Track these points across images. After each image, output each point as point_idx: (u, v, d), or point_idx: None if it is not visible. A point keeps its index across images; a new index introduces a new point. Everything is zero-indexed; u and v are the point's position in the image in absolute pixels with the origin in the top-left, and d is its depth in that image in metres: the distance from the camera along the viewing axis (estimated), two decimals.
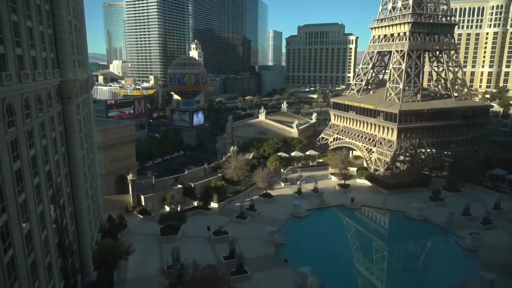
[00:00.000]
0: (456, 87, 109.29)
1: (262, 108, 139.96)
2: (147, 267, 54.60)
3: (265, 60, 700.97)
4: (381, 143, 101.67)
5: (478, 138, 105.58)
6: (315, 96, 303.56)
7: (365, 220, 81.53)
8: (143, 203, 77.83)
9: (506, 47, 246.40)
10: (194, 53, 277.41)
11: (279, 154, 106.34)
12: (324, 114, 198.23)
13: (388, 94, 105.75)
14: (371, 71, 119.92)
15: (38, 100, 33.91)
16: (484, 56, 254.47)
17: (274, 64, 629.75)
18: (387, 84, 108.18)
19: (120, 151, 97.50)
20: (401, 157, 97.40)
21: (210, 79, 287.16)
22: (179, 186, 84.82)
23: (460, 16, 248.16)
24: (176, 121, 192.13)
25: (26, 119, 30.44)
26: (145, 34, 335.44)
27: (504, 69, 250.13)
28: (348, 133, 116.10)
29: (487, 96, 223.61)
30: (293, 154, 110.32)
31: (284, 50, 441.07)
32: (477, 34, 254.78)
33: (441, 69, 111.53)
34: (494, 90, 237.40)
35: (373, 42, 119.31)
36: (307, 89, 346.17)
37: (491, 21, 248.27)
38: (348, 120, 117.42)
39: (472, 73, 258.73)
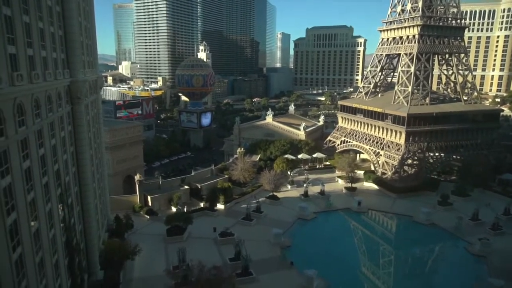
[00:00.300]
0: (466, 90, 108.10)
1: (270, 110, 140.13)
2: (153, 268, 54.80)
3: (273, 62, 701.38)
4: (389, 146, 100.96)
5: (488, 143, 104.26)
6: (322, 98, 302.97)
7: (372, 223, 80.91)
8: (150, 204, 78.23)
9: None
10: (202, 55, 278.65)
11: (286, 156, 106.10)
12: (332, 117, 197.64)
13: (396, 97, 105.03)
14: (380, 73, 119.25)
15: (48, 100, 34.29)
16: (494, 60, 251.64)
17: (282, 66, 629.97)
18: (396, 87, 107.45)
19: (128, 152, 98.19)
20: (409, 161, 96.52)
21: (218, 81, 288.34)
22: (186, 187, 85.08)
23: (470, 19, 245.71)
24: (184, 122, 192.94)
25: (36, 118, 30.75)
26: (154, 36, 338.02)
27: None
28: (355, 136, 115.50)
29: (498, 100, 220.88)
30: (300, 156, 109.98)
31: (292, 52, 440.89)
32: (488, 37, 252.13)
33: (450, 72, 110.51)
34: (505, 94, 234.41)
35: (381, 45, 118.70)
36: (314, 92, 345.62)
37: (502, 24, 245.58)
38: (356, 123, 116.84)
39: (482, 77, 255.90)
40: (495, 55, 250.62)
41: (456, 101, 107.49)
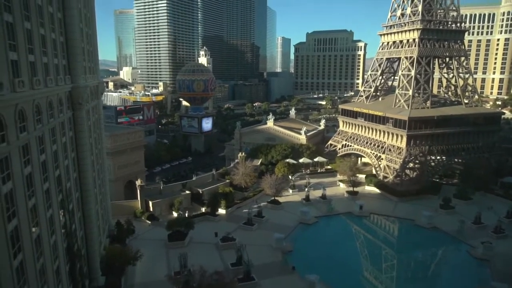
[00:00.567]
0: (467, 93, 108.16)
1: (271, 115, 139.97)
2: (155, 273, 54.66)
3: (273, 66, 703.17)
4: (390, 150, 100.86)
5: (489, 146, 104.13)
6: (323, 102, 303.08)
7: (374, 227, 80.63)
8: (151, 209, 78.15)
9: None
10: (203, 60, 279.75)
11: (287, 160, 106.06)
12: (333, 121, 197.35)
13: (397, 101, 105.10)
14: (380, 77, 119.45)
15: (49, 106, 34.40)
16: (495, 63, 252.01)
17: (282, 70, 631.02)
18: (396, 91, 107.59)
19: (129, 157, 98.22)
20: (411, 164, 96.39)
21: (218, 86, 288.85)
22: (187, 192, 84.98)
23: (470, 22, 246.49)
24: (185, 127, 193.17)
25: (37, 124, 30.86)
26: (155, 41, 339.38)
27: None
28: (356, 139, 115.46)
29: (498, 103, 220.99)
30: (301, 160, 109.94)
31: (292, 56, 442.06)
32: (488, 41, 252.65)
33: (451, 75, 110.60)
34: (506, 97, 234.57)
35: (382, 49, 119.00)
36: (315, 96, 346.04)
37: (502, 27, 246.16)
38: (357, 126, 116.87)
39: (483, 80, 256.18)
40: (496, 58, 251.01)
41: (457, 104, 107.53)
